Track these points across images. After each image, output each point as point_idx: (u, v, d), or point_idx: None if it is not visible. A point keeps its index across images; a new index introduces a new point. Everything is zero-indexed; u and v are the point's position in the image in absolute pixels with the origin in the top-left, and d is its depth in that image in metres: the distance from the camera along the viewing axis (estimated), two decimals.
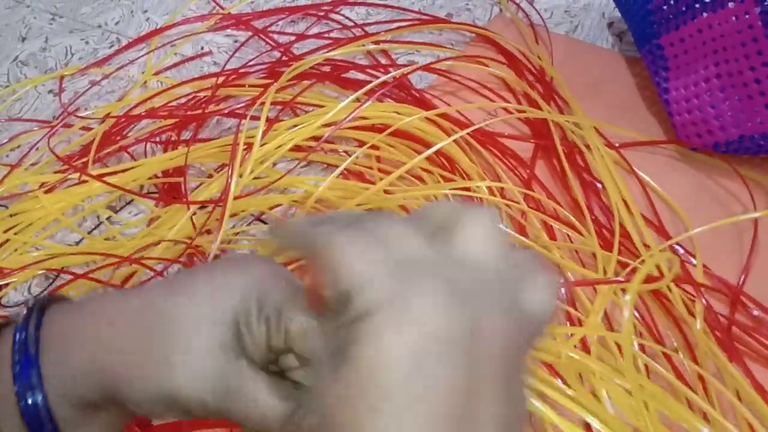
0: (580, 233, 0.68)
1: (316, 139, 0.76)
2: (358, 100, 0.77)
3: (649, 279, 0.61)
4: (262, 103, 0.75)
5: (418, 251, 0.23)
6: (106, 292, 0.30)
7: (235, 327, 0.28)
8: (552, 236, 0.69)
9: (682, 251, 0.67)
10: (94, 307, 0.30)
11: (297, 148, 0.78)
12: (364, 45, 0.89)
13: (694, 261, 0.66)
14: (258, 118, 0.73)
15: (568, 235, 0.69)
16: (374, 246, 0.23)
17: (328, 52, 0.85)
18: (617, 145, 0.76)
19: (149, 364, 0.27)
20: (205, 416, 0.28)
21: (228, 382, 0.27)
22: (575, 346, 0.57)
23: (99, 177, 0.75)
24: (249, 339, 0.28)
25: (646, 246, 0.65)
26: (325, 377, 0.22)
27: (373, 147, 0.75)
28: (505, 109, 0.81)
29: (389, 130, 0.73)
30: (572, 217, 0.69)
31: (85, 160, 0.79)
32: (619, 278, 0.61)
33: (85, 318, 0.29)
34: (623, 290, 0.61)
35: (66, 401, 0.29)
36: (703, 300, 0.61)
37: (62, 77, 0.93)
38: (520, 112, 0.79)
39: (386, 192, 0.71)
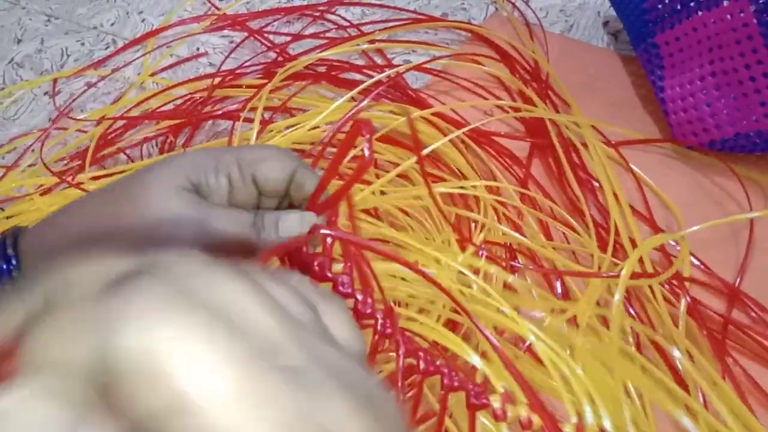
0: (577, 232, 0.68)
1: (313, 141, 0.76)
2: (354, 99, 0.77)
3: (640, 275, 0.61)
4: (256, 106, 0.75)
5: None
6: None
7: (190, 181, 0.31)
8: (548, 235, 0.69)
9: (678, 248, 0.67)
10: (61, 211, 0.32)
11: (294, 150, 0.78)
12: (359, 45, 0.89)
13: (693, 260, 0.66)
14: (253, 120, 0.73)
15: (564, 234, 0.69)
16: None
17: (322, 51, 0.85)
18: (613, 143, 0.76)
19: (134, 222, 0.30)
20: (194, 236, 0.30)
21: (198, 217, 0.30)
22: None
23: (93, 180, 0.74)
24: (209, 193, 0.32)
25: (633, 244, 0.66)
26: None
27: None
28: (500, 107, 0.81)
29: (382, 131, 0.73)
30: (568, 216, 0.70)
31: (80, 162, 0.79)
32: (611, 273, 0.61)
33: (56, 217, 0.32)
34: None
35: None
36: (687, 297, 0.61)
37: (55, 80, 0.93)
38: (515, 110, 0.79)
39: (382, 193, 0.71)
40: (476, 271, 0.61)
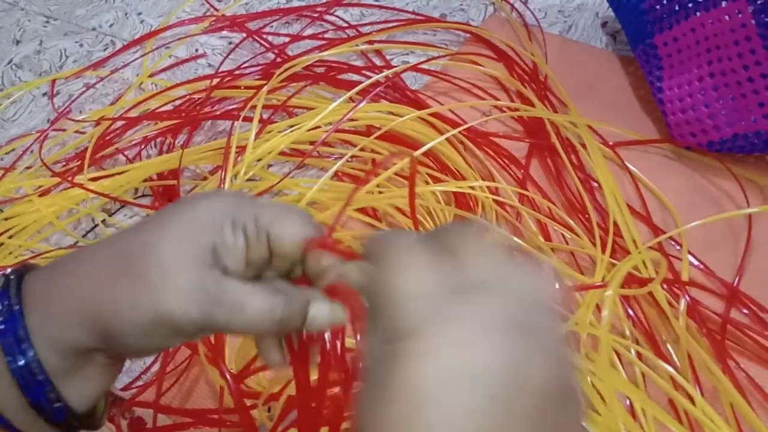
0: (575, 233, 0.68)
1: (312, 143, 0.76)
2: (352, 100, 0.77)
3: (638, 280, 0.62)
4: (254, 106, 0.75)
5: (482, 276, 0.24)
6: (78, 248, 0.31)
7: (211, 244, 0.29)
8: (547, 236, 0.69)
9: (677, 248, 0.67)
10: (71, 259, 0.31)
11: (293, 151, 0.78)
12: (357, 45, 0.89)
13: (693, 260, 0.66)
14: (251, 120, 0.73)
15: (563, 235, 0.69)
16: (431, 269, 0.24)
17: (320, 52, 0.85)
18: (611, 143, 0.76)
19: (134, 292, 0.28)
20: (194, 333, 0.29)
21: (209, 292, 0.28)
22: None
23: (92, 182, 0.75)
24: (226, 252, 0.29)
25: (628, 248, 0.66)
26: (365, 387, 0.23)
27: (369, 149, 0.75)
28: (498, 108, 0.81)
29: (379, 132, 0.73)
30: (567, 217, 0.70)
31: (79, 163, 0.79)
32: (601, 283, 0.61)
33: (65, 269, 0.30)
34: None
35: (54, 352, 0.29)
36: (687, 297, 0.61)
37: (53, 81, 0.93)
38: (513, 110, 0.79)
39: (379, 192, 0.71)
40: None
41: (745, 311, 0.63)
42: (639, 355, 0.58)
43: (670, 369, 0.56)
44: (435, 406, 0.21)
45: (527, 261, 0.26)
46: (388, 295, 0.24)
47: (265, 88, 0.77)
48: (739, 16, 0.69)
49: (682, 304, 0.61)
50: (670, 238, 0.68)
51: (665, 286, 0.63)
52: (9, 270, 0.31)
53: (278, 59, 0.90)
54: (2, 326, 0.29)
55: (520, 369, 0.22)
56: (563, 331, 0.24)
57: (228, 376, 0.53)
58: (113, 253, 0.30)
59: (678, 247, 0.68)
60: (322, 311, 0.30)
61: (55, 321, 0.29)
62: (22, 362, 0.29)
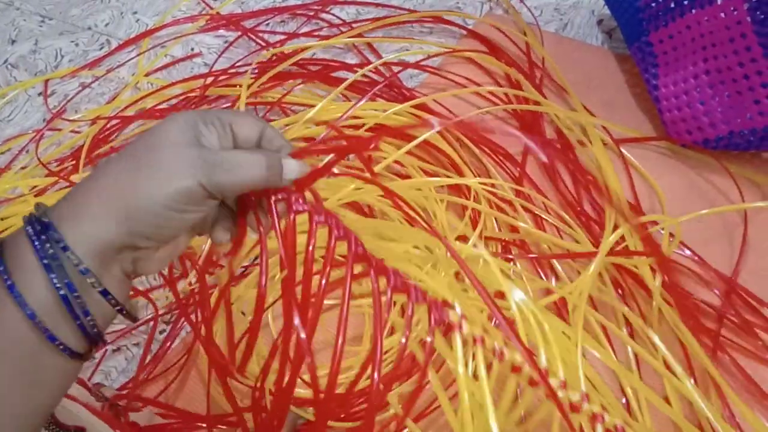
0: (571, 227, 0.68)
1: (306, 139, 0.76)
2: (346, 98, 0.77)
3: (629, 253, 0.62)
4: (250, 104, 0.75)
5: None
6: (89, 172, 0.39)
7: (194, 133, 0.36)
8: (542, 230, 0.70)
9: (670, 239, 0.68)
10: (87, 178, 0.35)
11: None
12: (353, 42, 0.89)
13: (685, 252, 0.66)
14: None
15: (557, 228, 0.69)
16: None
17: (311, 45, 0.86)
18: (608, 141, 0.76)
19: (152, 178, 0.34)
20: (203, 198, 0.35)
21: (209, 161, 0.35)
22: None
23: None
24: (206, 139, 0.36)
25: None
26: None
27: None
28: (493, 103, 0.81)
29: (368, 125, 0.73)
30: (563, 212, 0.70)
31: (74, 162, 0.79)
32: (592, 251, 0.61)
33: (85, 186, 0.35)
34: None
35: (88, 256, 0.33)
36: (665, 277, 0.62)
37: (47, 81, 0.93)
38: (508, 103, 0.79)
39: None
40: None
41: (742, 300, 0.63)
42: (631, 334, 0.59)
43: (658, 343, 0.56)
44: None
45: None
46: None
47: (244, 85, 0.77)
48: (735, 13, 0.69)
49: (658, 280, 0.61)
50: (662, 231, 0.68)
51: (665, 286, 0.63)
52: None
53: (273, 57, 0.90)
54: (35, 233, 0.33)
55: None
56: None
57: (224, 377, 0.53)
58: (124, 160, 0.35)
59: (680, 250, 0.68)
60: (292, 164, 0.38)
61: (85, 223, 0.33)
62: (59, 262, 0.32)
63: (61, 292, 0.32)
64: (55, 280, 0.32)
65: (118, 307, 0.35)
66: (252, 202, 0.39)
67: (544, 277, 0.67)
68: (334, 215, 0.39)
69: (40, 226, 0.33)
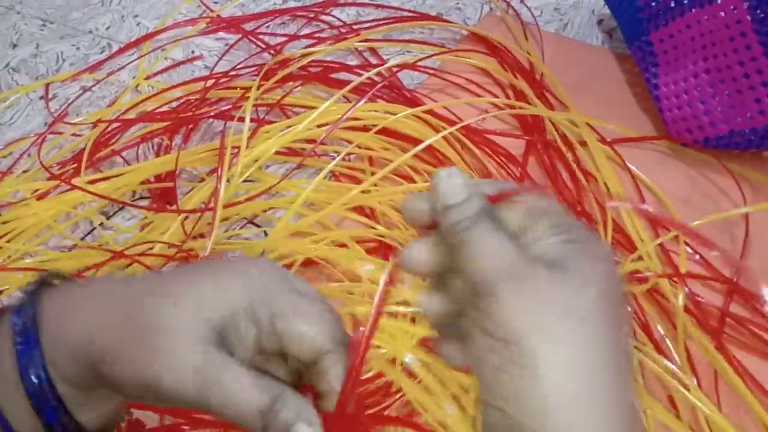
0: None
1: (308, 141, 0.76)
2: (348, 100, 0.77)
3: (640, 279, 0.62)
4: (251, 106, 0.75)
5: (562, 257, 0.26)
6: (105, 276, 0.31)
7: (220, 326, 0.28)
8: None
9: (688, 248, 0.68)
10: (90, 289, 0.31)
11: (290, 151, 0.78)
12: (353, 44, 0.89)
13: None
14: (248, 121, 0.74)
15: None
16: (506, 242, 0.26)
17: (311, 48, 0.86)
18: (609, 140, 0.76)
19: (135, 350, 0.28)
20: (185, 407, 0.28)
21: (206, 374, 0.27)
22: None
23: (89, 184, 0.75)
24: (234, 337, 0.29)
25: (627, 244, 0.66)
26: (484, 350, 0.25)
27: (365, 147, 0.75)
28: (495, 105, 0.81)
29: (375, 129, 0.73)
30: None
31: (76, 166, 0.79)
32: None
33: (81, 301, 0.30)
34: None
35: (63, 380, 0.30)
36: (686, 289, 0.61)
37: (48, 84, 0.93)
38: (510, 107, 0.79)
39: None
40: None
41: (746, 299, 0.63)
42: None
43: (668, 363, 0.56)
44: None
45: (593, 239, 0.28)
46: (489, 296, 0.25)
47: (253, 89, 0.77)
48: (735, 12, 0.69)
49: (681, 297, 0.61)
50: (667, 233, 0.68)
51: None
52: (29, 284, 0.31)
53: (275, 63, 0.90)
54: (20, 346, 0.29)
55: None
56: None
57: None
58: (129, 298, 0.30)
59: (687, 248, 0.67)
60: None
61: (65, 349, 0.29)
62: (36, 383, 0.29)
63: (41, 417, 0.29)
64: (37, 407, 0.29)
65: None
66: None
67: None
68: None
69: (28, 333, 0.29)
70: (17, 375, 0.29)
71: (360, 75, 0.82)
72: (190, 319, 0.28)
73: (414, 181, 0.72)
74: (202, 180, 0.78)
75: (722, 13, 0.70)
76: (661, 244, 0.67)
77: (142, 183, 0.78)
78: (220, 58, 0.93)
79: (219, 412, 0.28)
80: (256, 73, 0.86)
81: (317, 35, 0.94)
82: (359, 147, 0.75)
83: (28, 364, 0.29)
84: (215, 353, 0.28)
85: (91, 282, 0.31)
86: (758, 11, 0.67)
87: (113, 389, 0.30)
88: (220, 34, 0.98)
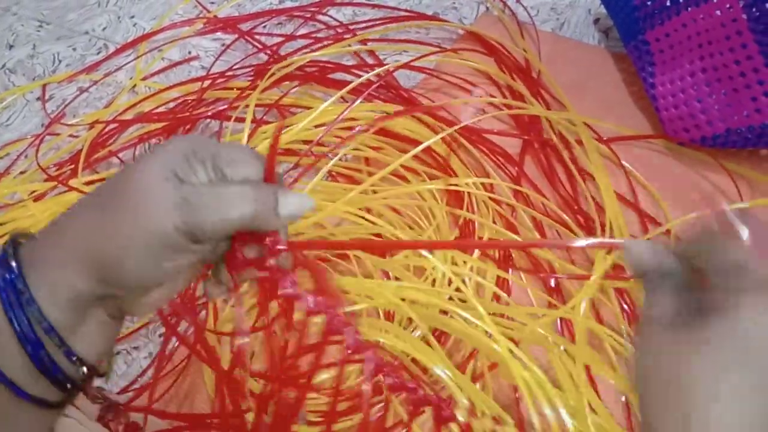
0: (570, 229, 0.69)
1: (306, 142, 0.76)
2: (345, 100, 0.77)
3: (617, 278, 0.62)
4: (246, 106, 0.75)
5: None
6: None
7: (176, 167, 0.30)
8: (542, 232, 0.70)
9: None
10: (61, 216, 0.32)
11: (287, 151, 0.78)
12: (349, 45, 0.89)
13: None
14: (244, 120, 0.74)
15: (557, 231, 0.69)
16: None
17: (310, 52, 0.86)
18: (605, 139, 0.76)
19: (125, 220, 0.29)
20: (186, 244, 0.30)
21: (190, 200, 0.30)
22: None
23: (87, 185, 0.75)
24: (190, 176, 0.31)
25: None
26: (663, 335, 0.29)
27: (360, 148, 0.75)
28: (492, 104, 0.81)
29: (372, 129, 0.73)
30: (562, 213, 0.70)
31: (73, 167, 0.79)
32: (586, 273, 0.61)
33: (57, 225, 0.31)
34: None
35: (57, 306, 0.30)
36: None
37: (44, 86, 0.93)
38: (508, 107, 0.79)
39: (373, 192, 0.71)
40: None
41: None
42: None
43: None
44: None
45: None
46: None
47: (254, 94, 0.77)
48: (730, 10, 0.69)
49: None
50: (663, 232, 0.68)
51: None
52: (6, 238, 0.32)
53: (271, 59, 0.90)
54: (1, 282, 0.29)
55: None
56: None
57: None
58: (98, 197, 0.31)
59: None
60: (291, 199, 0.31)
61: (53, 271, 0.30)
62: (23, 315, 0.29)
63: (27, 348, 0.29)
64: (20, 334, 0.29)
65: (84, 368, 0.31)
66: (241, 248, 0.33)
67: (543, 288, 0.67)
68: (334, 299, 0.32)
69: (7, 270, 0.30)
70: (2, 311, 0.29)
71: (357, 75, 0.82)
72: (156, 175, 0.30)
73: (409, 181, 0.72)
74: None
75: (718, 12, 0.70)
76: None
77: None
78: (216, 59, 0.93)
79: (212, 227, 0.30)
80: (252, 73, 0.87)
81: (314, 35, 0.94)
82: (357, 149, 0.75)
83: (13, 297, 0.29)
84: (185, 184, 0.30)
85: (61, 214, 0.32)
86: (754, 9, 0.68)
87: (118, 282, 0.30)
88: (217, 34, 0.98)
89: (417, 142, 0.72)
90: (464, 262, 0.64)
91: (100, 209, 0.30)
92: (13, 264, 0.30)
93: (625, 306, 0.63)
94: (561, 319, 0.63)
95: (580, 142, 0.75)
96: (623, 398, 0.58)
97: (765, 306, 0.28)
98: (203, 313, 0.65)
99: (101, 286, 0.30)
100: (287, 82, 0.83)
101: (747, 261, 0.29)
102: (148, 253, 0.29)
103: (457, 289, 0.60)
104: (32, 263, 0.30)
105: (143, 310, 0.33)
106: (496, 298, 0.64)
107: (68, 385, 0.31)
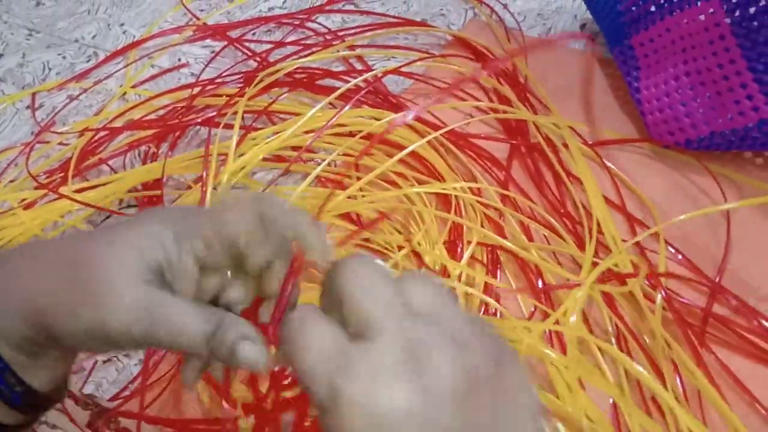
0: (557, 233, 0.69)
1: (295, 148, 0.77)
2: (334, 106, 0.77)
3: (618, 277, 0.62)
4: (234, 113, 0.76)
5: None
6: (35, 242, 0.32)
7: (157, 266, 0.30)
8: (529, 236, 0.70)
9: (656, 244, 0.68)
10: (20, 255, 0.31)
11: (277, 158, 0.78)
12: (338, 51, 0.90)
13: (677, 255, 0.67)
14: (232, 127, 0.74)
15: (545, 236, 0.70)
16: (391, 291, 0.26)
17: (298, 58, 0.86)
18: (591, 143, 0.77)
19: (75, 302, 0.29)
20: (134, 347, 0.29)
21: (152, 311, 0.29)
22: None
23: (77, 193, 0.75)
24: (171, 271, 0.30)
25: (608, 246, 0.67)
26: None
27: (349, 154, 0.75)
28: (479, 109, 0.82)
29: (360, 135, 0.73)
30: (549, 217, 0.70)
31: (63, 175, 0.79)
32: (577, 281, 0.62)
33: (13, 265, 0.31)
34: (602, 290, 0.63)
35: (9, 346, 0.30)
36: (663, 292, 0.62)
37: (34, 94, 0.93)
38: (494, 111, 0.80)
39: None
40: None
41: (730, 300, 0.64)
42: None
43: (640, 368, 0.56)
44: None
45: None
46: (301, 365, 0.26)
47: (243, 100, 0.78)
48: (713, 15, 0.70)
49: (658, 298, 0.62)
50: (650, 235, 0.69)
51: (646, 282, 0.64)
52: None
53: (260, 66, 0.91)
54: None
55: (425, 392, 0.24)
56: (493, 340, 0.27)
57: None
58: (61, 257, 0.30)
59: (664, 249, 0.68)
60: (247, 353, 0.29)
61: (5, 315, 0.30)
62: None
63: None
64: None
65: (37, 401, 0.32)
66: None
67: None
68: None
69: None
70: None
71: (346, 81, 0.82)
72: (130, 262, 0.29)
73: (399, 186, 0.73)
74: (189, 187, 0.78)
75: (701, 17, 0.71)
76: (640, 247, 0.68)
77: (130, 191, 0.78)
78: (206, 66, 0.93)
79: (168, 344, 0.29)
80: (242, 80, 0.87)
81: (303, 42, 0.95)
82: (347, 155, 0.75)
83: None
84: (157, 292, 0.29)
85: (19, 249, 0.31)
86: (736, 14, 0.68)
87: (61, 343, 0.30)
88: (207, 41, 0.99)
89: (404, 147, 0.73)
90: (454, 268, 0.65)
91: (58, 278, 0.30)
92: None
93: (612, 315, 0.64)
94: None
95: (566, 146, 0.76)
96: (611, 401, 0.59)
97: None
98: None
99: (48, 340, 0.30)
100: (276, 89, 0.83)
101: None
102: (92, 342, 0.29)
103: None
104: None
105: (100, 351, 0.33)
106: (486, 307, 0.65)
107: (27, 410, 0.32)
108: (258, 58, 0.92)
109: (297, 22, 0.98)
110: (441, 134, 0.74)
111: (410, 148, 0.70)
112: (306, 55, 0.88)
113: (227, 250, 0.31)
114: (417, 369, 0.24)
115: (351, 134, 0.77)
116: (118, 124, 0.86)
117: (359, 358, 0.25)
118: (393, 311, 0.26)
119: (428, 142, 0.73)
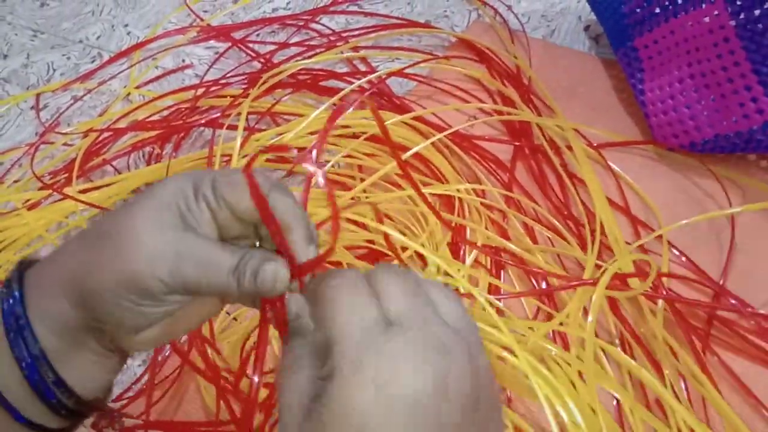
0: (561, 235, 0.69)
1: (298, 149, 0.77)
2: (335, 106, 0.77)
3: (623, 278, 0.62)
4: (238, 114, 0.76)
5: (402, 311, 0.27)
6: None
7: (176, 209, 0.30)
8: (533, 238, 0.70)
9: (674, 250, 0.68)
10: (62, 244, 0.33)
11: (281, 159, 0.78)
12: (342, 52, 0.90)
13: (681, 258, 0.67)
14: (236, 128, 0.74)
15: (548, 238, 0.70)
16: (366, 305, 0.27)
17: (302, 60, 0.86)
18: (595, 145, 0.77)
19: (104, 255, 0.30)
20: (164, 295, 0.30)
21: (177, 248, 0.29)
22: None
23: (81, 193, 0.75)
24: (193, 217, 0.31)
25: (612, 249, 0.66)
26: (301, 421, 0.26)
27: (353, 156, 0.76)
28: (483, 111, 0.82)
29: (364, 136, 0.73)
30: (552, 219, 0.70)
31: (67, 175, 0.79)
32: (591, 279, 0.61)
33: (55, 252, 0.32)
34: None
35: (49, 330, 0.31)
36: (665, 291, 0.62)
37: (38, 95, 0.94)
38: (498, 113, 0.80)
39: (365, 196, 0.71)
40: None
41: (733, 302, 0.64)
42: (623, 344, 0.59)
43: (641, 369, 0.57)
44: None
45: (436, 289, 0.29)
46: (332, 329, 0.26)
47: (247, 100, 0.78)
48: (718, 17, 0.70)
49: (660, 301, 0.62)
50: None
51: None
52: (11, 272, 0.33)
53: (264, 67, 0.91)
54: (5, 306, 0.31)
55: (441, 385, 0.24)
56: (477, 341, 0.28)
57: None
58: (93, 229, 0.32)
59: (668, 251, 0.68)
60: (269, 272, 0.30)
61: (44, 296, 0.31)
62: (20, 339, 0.30)
63: (25, 372, 0.30)
64: (17, 358, 0.30)
65: (74, 399, 0.32)
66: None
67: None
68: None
69: (11, 295, 0.31)
70: (4, 335, 0.30)
71: (349, 83, 0.83)
72: (153, 212, 0.30)
73: (402, 188, 0.73)
74: None
75: (706, 19, 0.71)
76: (644, 251, 0.68)
77: (134, 192, 0.78)
78: (210, 67, 0.94)
79: (196, 281, 0.30)
80: (246, 81, 0.87)
81: (307, 43, 0.95)
82: (350, 156, 0.75)
83: (12, 321, 0.30)
84: (181, 232, 0.30)
85: (76, 234, 0.33)
86: (741, 16, 0.68)
87: (101, 319, 0.30)
88: (210, 42, 0.99)
89: (408, 148, 0.73)
90: (458, 270, 0.64)
91: (89, 244, 0.31)
92: (15, 289, 0.31)
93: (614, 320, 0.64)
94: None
95: (570, 148, 0.76)
96: (614, 401, 0.59)
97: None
98: None
99: (87, 320, 0.31)
100: (280, 90, 0.83)
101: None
102: (125, 297, 0.30)
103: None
104: (31, 289, 0.31)
105: (138, 347, 0.33)
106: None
107: (63, 412, 0.32)
108: (262, 59, 0.92)
109: (301, 24, 0.98)
110: (445, 136, 0.74)
111: (414, 150, 0.70)
112: (310, 57, 0.88)
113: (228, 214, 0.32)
114: (443, 364, 0.25)
115: (355, 136, 0.77)
116: (122, 124, 0.86)
117: (394, 337, 0.25)
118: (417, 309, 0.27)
119: (432, 143, 0.73)
